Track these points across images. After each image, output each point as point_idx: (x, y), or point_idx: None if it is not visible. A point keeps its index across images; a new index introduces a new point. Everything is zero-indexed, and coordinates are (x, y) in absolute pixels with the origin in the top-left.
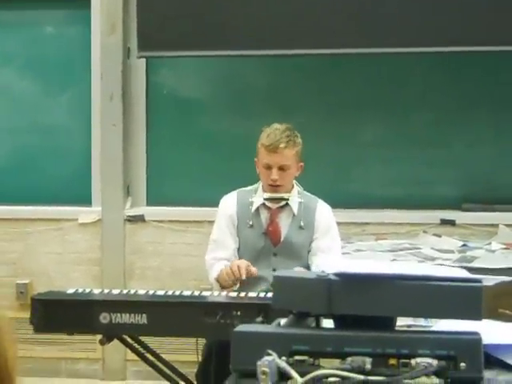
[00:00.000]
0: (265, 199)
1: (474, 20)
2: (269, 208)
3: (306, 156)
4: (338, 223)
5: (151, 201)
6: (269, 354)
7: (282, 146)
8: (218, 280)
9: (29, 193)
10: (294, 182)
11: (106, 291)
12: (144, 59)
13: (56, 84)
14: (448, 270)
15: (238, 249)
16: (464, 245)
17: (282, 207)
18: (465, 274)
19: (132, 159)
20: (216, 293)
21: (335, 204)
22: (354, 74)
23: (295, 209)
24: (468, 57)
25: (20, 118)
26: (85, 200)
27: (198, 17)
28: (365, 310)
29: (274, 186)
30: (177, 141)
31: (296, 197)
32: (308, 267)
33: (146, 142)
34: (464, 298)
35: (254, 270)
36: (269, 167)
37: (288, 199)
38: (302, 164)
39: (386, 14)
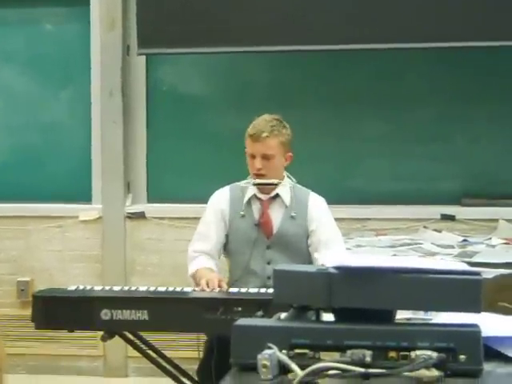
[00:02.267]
0: (254, 184)
1: (475, 15)
2: (260, 199)
3: (306, 152)
4: (339, 219)
5: (152, 197)
6: (269, 348)
7: (264, 134)
8: (193, 277)
9: (29, 190)
10: (286, 174)
11: (106, 288)
12: (143, 56)
13: (56, 81)
14: (447, 263)
15: (230, 243)
16: (464, 240)
17: (273, 198)
18: (464, 266)
19: (132, 156)
20: (217, 289)
21: (335, 200)
22: (355, 69)
23: (287, 200)
24: (470, 52)
25: (20, 116)
26: (85, 197)
27: (198, 13)
28: (364, 303)
29: (258, 175)
30: (177, 137)
31: (286, 185)
32: (304, 261)
33: (146, 138)
34: (463, 290)
35: (223, 284)
36: (253, 156)
37: (277, 184)
38: (290, 154)
39: (387, 9)
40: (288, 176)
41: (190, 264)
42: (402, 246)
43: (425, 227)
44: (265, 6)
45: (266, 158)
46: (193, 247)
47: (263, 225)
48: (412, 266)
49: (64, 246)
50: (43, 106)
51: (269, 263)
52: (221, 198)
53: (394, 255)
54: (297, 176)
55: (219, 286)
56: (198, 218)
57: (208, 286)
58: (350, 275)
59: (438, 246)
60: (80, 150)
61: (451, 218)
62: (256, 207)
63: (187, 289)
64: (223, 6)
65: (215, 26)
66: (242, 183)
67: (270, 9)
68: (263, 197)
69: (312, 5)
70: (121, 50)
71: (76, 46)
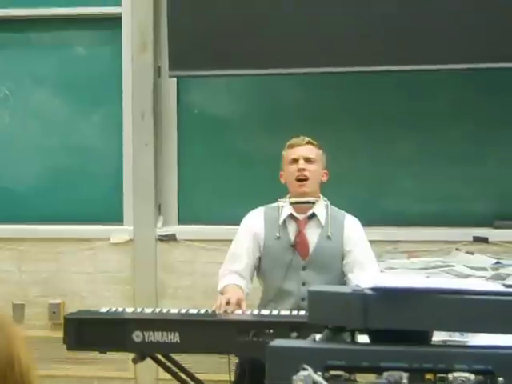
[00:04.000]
0: (291, 203)
1: (504, 36)
2: (296, 219)
3: (338, 174)
4: (370, 241)
5: (183, 219)
6: (304, 369)
7: (306, 140)
8: (221, 293)
9: (61, 212)
10: (322, 196)
11: (138, 310)
12: (175, 78)
13: (88, 104)
14: (483, 283)
15: (263, 265)
16: (497, 262)
17: (310, 218)
18: (500, 287)
19: (164, 178)
20: (248, 311)
21: (367, 221)
22: (385, 90)
23: (323, 219)
24: (500, 72)
25: (52, 138)
26: (117, 219)
27: (228, 36)
28: (400, 324)
29: (301, 180)
30: (208, 159)
31: (322, 205)
32: (339, 281)
33: (177, 160)
34: (501, 311)
35: (243, 304)
36: (295, 161)
37: (314, 203)
38: (326, 171)
39: (414, 30)
40: (322, 197)
41: (220, 281)
42: (434, 268)
43: (457, 249)
44: (295, 28)
45: (308, 161)
46: (225, 267)
47: (299, 245)
48: (448, 286)
49: (95, 268)
50: (75, 128)
51: (304, 284)
52: (255, 220)
53: (427, 277)
54: (329, 197)
55: (238, 305)
56: (229, 240)
57: (226, 305)
58: (386, 296)
59: (470, 268)
60: (112, 172)
61: (484, 240)
62: (292, 227)
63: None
64: (254, 28)
65: (246, 48)
66: (279, 202)
67: (300, 31)
68: (300, 216)
69: (344, 26)
70: (152, 73)
71: (108, 69)
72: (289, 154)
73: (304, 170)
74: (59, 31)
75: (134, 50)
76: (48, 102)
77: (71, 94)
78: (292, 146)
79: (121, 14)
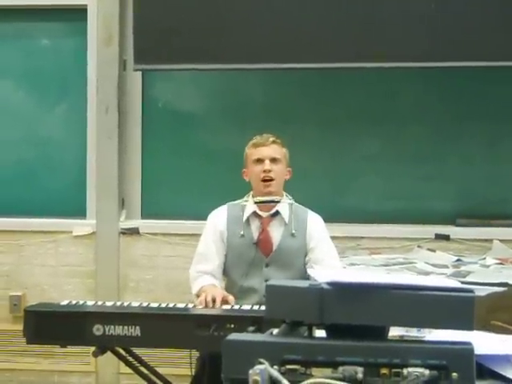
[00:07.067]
0: (255, 203)
1: (466, 35)
2: (260, 217)
3: (301, 169)
4: (333, 237)
5: (146, 214)
6: (260, 363)
7: (271, 139)
8: (198, 295)
9: (23, 205)
10: (285, 193)
11: (99, 303)
12: (140, 72)
13: (52, 96)
14: (440, 280)
15: (227, 262)
16: (458, 260)
17: (273, 216)
18: (457, 284)
19: (127, 172)
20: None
21: (330, 218)
22: (349, 87)
23: (286, 217)
24: (463, 71)
25: (15, 130)
26: (79, 212)
27: (194, 30)
28: (357, 319)
29: (267, 181)
30: (172, 154)
31: (286, 202)
32: (302, 278)
33: (141, 154)
34: (456, 307)
35: (230, 299)
36: (260, 161)
37: (279, 201)
38: (290, 169)
39: (381, 28)
40: (286, 195)
41: (194, 283)
42: (395, 264)
43: (419, 246)
44: (262, 24)
45: (273, 161)
46: (195, 268)
47: (262, 242)
48: (405, 282)
49: (57, 261)
50: (39, 120)
51: (267, 281)
52: (218, 219)
53: (387, 274)
54: (292, 193)
55: (226, 302)
56: (192, 235)
57: (212, 302)
58: (343, 291)
59: (431, 265)
60: (75, 165)
61: (446, 237)
62: (255, 225)
63: (180, 305)
64: (220, 23)
65: (211, 42)
66: (242, 202)
67: (267, 27)
68: (263, 214)
69: (309, 23)
70: (117, 66)
71: (73, 62)
72: (253, 153)
73: (270, 171)
74: (24, 22)
75: (100, 43)
76: (12, 95)
77: (35, 87)
78: (256, 146)
79: (86, 6)
